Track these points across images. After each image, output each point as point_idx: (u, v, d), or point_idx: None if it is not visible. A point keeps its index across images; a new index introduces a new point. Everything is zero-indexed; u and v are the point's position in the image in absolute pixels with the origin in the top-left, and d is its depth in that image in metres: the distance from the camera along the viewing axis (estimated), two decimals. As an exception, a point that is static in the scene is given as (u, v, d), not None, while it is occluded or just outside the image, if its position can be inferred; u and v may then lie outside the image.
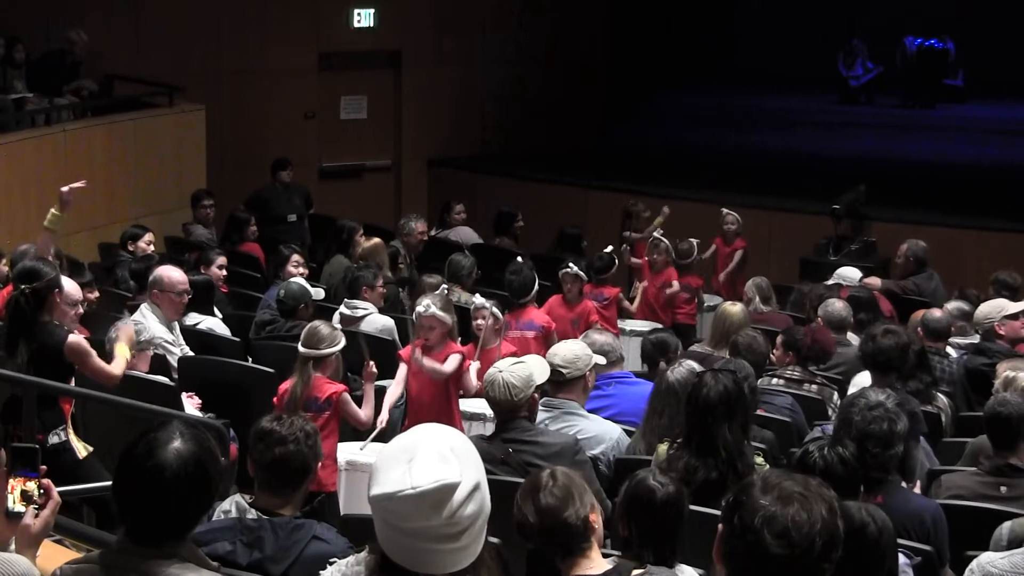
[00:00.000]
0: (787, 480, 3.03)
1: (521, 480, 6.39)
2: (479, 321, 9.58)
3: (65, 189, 9.29)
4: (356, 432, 8.34)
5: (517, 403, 6.76)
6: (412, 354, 8.64)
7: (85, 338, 8.15)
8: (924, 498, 6.31)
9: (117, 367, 7.92)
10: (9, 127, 14.44)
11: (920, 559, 5.32)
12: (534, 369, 6.97)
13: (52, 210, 9.28)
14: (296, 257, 11.81)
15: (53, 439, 7.54)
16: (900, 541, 4.96)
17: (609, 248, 12.82)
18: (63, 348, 7.67)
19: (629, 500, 5.01)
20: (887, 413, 5.84)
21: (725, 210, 14.88)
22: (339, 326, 8.99)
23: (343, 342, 7.98)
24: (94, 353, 7.89)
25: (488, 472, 6.43)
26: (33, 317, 7.68)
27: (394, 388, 8.75)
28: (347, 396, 7.85)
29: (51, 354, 7.66)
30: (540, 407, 7.10)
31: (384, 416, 8.42)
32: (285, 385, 7.94)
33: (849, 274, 12.14)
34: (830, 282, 11.97)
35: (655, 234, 13.57)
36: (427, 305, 8.67)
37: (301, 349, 7.86)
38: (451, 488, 2.92)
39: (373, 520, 3.01)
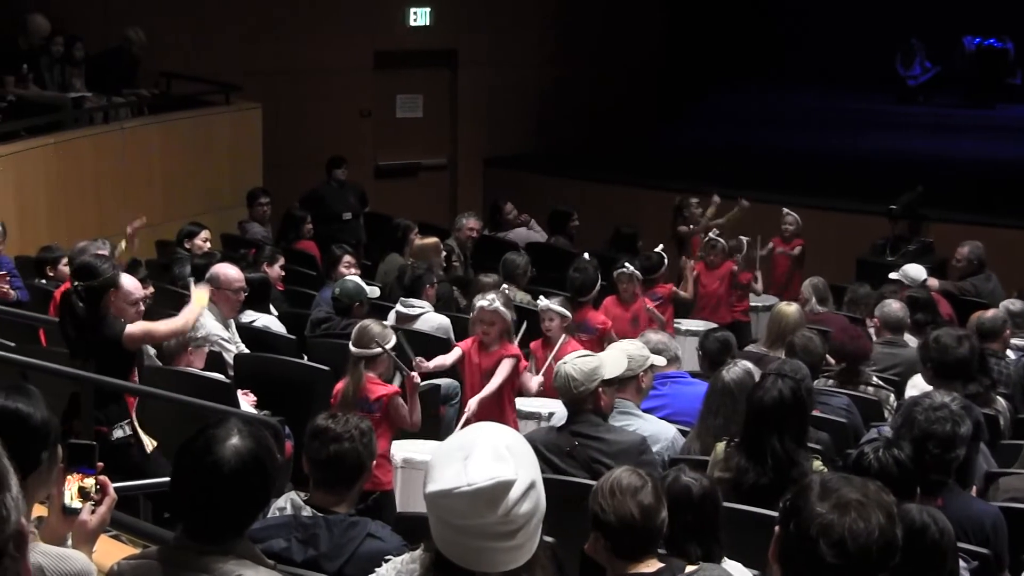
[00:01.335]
0: (846, 486, 3.00)
1: (584, 474, 6.45)
2: (547, 323, 9.63)
3: (129, 230, 9.22)
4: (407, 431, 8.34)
5: (578, 396, 6.75)
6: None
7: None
8: (984, 502, 6.24)
9: (190, 311, 7.98)
10: (68, 125, 14.55)
11: (977, 563, 5.27)
12: (604, 363, 6.94)
13: (121, 244, 9.23)
14: (348, 258, 11.81)
15: (117, 432, 7.54)
16: (959, 545, 4.91)
17: (660, 247, 12.77)
18: (122, 340, 7.60)
19: (667, 500, 4.99)
20: (952, 415, 5.77)
21: (785, 210, 14.78)
22: (390, 323, 9.01)
23: (394, 340, 7.96)
24: (154, 325, 7.87)
25: (550, 463, 6.48)
26: (87, 313, 7.60)
27: (444, 358, 8.77)
28: (398, 399, 7.81)
29: (111, 347, 7.61)
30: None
31: (438, 361, 8.59)
32: (340, 384, 7.94)
33: (913, 272, 11.97)
34: (894, 275, 11.89)
35: (711, 235, 13.52)
36: (491, 299, 8.73)
37: (352, 349, 7.84)
38: (506, 486, 2.91)
39: (428, 518, 3.01)
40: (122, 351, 7.64)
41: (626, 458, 6.45)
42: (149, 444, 7.73)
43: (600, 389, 6.80)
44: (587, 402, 6.77)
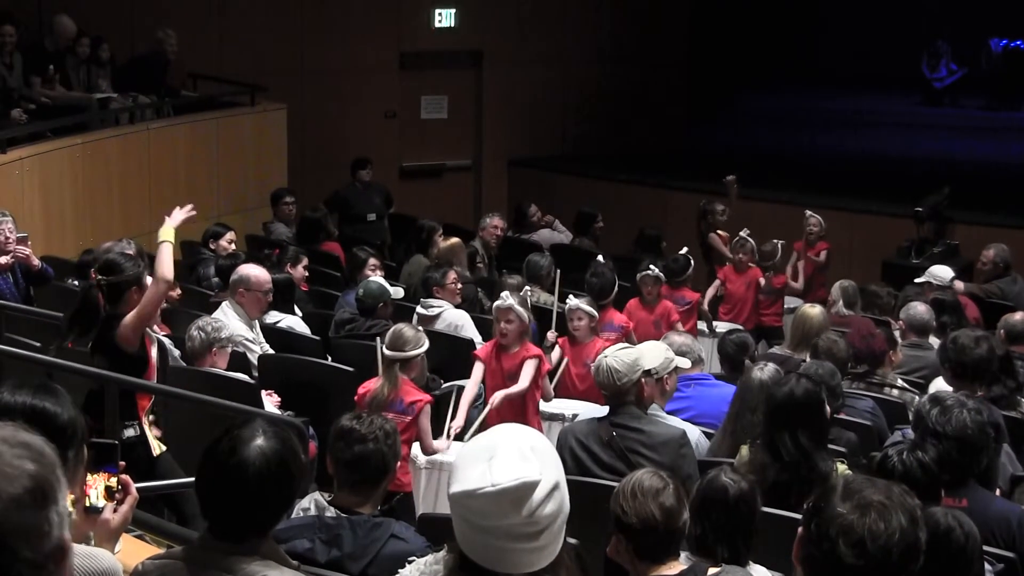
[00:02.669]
0: (869, 487, 3.00)
1: (621, 464, 6.46)
2: (576, 322, 9.64)
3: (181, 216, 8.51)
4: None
5: (621, 388, 6.76)
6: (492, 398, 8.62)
7: (165, 335, 8.17)
8: (1007, 501, 6.22)
9: (162, 270, 7.48)
10: (94, 126, 14.59)
11: (1003, 566, 5.26)
12: (644, 354, 6.96)
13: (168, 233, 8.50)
14: (373, 261, 11.78)
15: (128, 432, 7.45)
16: (984, 548, 4.89)
17: (684, 249, 12.76)
18: (118, 334, 7.40)
19: (702, 498, 5.00)
20: (970, 416, 5.77)
21: (809, 212, 14.70)
22: (421, 327, 9.03)
23: (427, 344, 7.98)
24: (136, 309, 7.46)
25: (589, 451, 6.49)
26: (99, 309, 7.52)
27: (471, 387, 8.78)
28: (428, 410, 7.84)
29: (111, 344, 7.46)
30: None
31: (461, 419, 8.45)
32: (366, 386, 7.94)
33: (941, 273, 11.92)
34: (921, 279, 11.86)
35: (741, 234, 13.47)
36: (504, 297, 8.76)
37: (386, 352, 7.85)
38: (531, 486, 2.91)
39: (452, 519, 3.00)
40: (122, 351, 7.46)
41: (666, 450, 6.54)
42: (156, 448, 7.56)
43: (642, 380, 6.83)
44: (629, 393, 6.79)
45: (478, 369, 8.83)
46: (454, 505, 2.96)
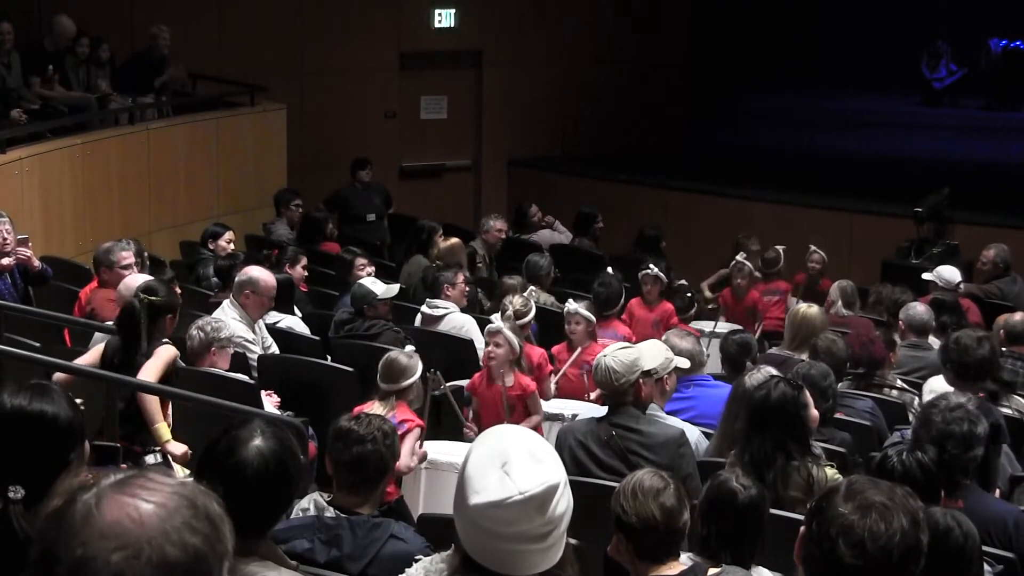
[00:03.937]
0: (872, 489, 3.00)
1: (620, 464, 6.46)
2: (573, 326, 9.62)
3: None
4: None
5: (620, 388, 6.77)
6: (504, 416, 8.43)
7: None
8: (1005, 502, 6.23)
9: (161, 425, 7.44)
10: (94, 126, 14.59)
11: (1002, 567, 5.25)
12: (644, 354, 6.96)
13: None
14: (359, 260, 11.71)
15: (149, 459, 7.46)
16: (983, 548, 4.88)
17: (689, 294, 12.41)
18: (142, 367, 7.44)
19: (710, 501, 5.00)
20: (968, 415, 5.77)
21: (812, 248, 14.28)
22: (417, 325, 9.00)
23: (421, 367, 7.76)
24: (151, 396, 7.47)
25: (588, 450, 6.52)
26: (145, 327, 7.54)
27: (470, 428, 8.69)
28: (416, 433, 7.56)
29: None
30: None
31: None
32: (361, 409, 7.81)
33: (948, 276, 11.89)
34: (929, 276, 11.85)
35: (738, 258, 13.33)
36: (498, 322, 8.68)
37: (382, 385, 7.64)
38: (555, 488, 2.90)
39: (457, 524, 2.98)
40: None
41: (664, 451, 6.55)
42: (179, 471, 7.57)
43: (640, 380, 6.82)
44: (628, 394, 6.79)
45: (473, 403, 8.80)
46: (474, 516, 2.90)
